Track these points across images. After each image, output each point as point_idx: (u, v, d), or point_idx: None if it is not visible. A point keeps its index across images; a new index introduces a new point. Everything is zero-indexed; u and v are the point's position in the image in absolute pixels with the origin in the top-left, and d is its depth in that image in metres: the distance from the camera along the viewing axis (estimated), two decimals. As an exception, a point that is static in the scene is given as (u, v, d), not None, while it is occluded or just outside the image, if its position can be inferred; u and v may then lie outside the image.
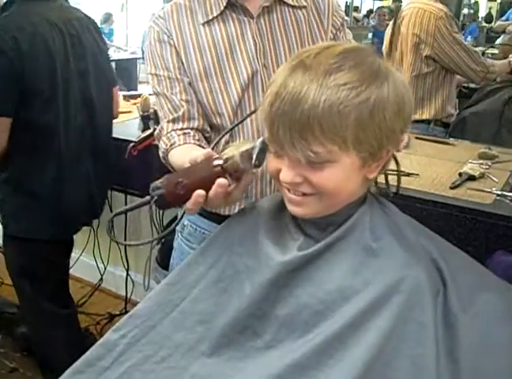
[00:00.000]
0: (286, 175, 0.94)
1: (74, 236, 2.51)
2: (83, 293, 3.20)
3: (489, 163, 2.13)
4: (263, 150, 0.98)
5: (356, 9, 11.98)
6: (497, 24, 8.73)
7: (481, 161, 2.14)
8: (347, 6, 10.84)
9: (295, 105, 0.87)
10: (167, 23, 1.39)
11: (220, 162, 1.00)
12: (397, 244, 0.95)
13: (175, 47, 1.38)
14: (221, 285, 1.04)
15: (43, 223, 2.16)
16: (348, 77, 0.87)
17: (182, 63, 1.38)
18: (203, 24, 1.37)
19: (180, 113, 1.38)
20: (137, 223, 3.01)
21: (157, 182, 1.04)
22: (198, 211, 1.48)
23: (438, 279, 0.94)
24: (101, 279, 3.20)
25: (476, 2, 12.35)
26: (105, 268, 3.14)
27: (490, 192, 1.83)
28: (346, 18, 1.50)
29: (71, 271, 3.28)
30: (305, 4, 1.42)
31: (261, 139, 0.98)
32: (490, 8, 12.30)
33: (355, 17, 10.80)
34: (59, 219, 2.19)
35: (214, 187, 1.00)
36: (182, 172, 1.06)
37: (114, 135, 2.58)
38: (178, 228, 1.62)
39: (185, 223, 1.58)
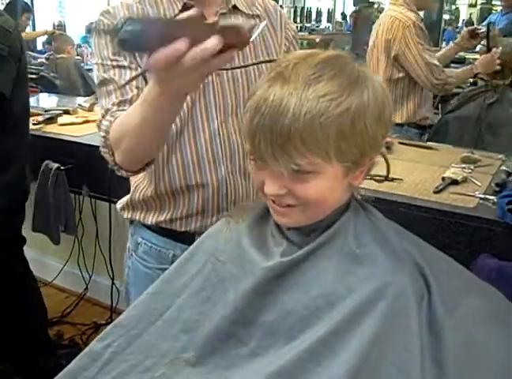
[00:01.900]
0: (270, 188, 0.94)
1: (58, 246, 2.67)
2: (68, 303, 3.19)
3: (472, 167, 2.15)
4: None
5: (344, 16, 12.03)
6: (482, 25, 8.81)
7: (464, 165, 2.16)
8: (329, 13, 10.91)
9: (275, 119, 0.86)
10: (119, 18, 1.32)
11: (221, 23, 0.87)
12: (381, 250, 0.95)
13: None
14: (205, 293, 1.04)
15: (19, 196, 2.38)
16: (327, 88, 0.86)
17: (135, 58, 1.31)
18: None
19: (129, 97, 1.28)
20: (122, 231, 3.00)
21: (136, 18, 0.82)
22: (151, 226, 1.44)
23: (423, 284, 0.94)
24: (86, 289, 3.18)
25: (457, 8, 12.46)
26: (90, 278, 3.13)
27: (473, 196, 1.84)
28: (295, 29, 1.51)
29: (55, 281, 3.28)
30: (258, 13, 1.41)
31: (264, 22, 0.92)
32: (470, 14, 12.42)
33: (337, 23, 10.85)
34: (26, 189, 2.43)
35: (210, 42, 0.83)
36: (165, 20, 0.88)
37: (96, 144, 2.57)
38: (130, 246, 1.56)
39: (138, 241, 1.51)
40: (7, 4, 5.88)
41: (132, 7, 1.35)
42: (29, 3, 5.91)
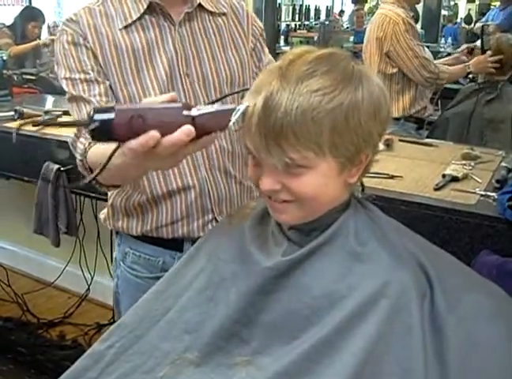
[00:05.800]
0: (265, 183, 0.94)
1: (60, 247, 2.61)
2: (70, 303, 3.19)
3: (472, 164, 2.14)
4: (243, 114, 0.91)
5: (341, 13, 12.02)
6: (477, 25, 8.80)
7: (464, 162, 2.16)
8: (327, 10, 10.89)
9: (268, 113, 0.87)
10: (81, 26, 1.31)
11: (194, 113, 0.87)
12: (382, 248, 0.95)
13: (92, 50, 1.30)
14: (208, 293, 1.04)
15: None
16: (320, 83, 0.87)
17: (101, 67, 1.31)
18: (121, 30, 1.32)
19: None
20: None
21: (105, 107, 0.86)
22: (138, 236, 1.43)
23: (425, 282, 0.94)
24: (88, 289, 3.18)
25: (456, 4, 12.44)
26: (92, 278, 3.13)
27: (473, 192, 1.84)
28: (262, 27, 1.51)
29: (58, 282, 3.28)
30: (225, 11, 1.42)
31: (246, 104, 0.91)
32: (469, 9, 12.39)
33: (335, 20, 10.83)
34: None
35: (178, 133, 0.85)
36: (139, 107, 0.89)
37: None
38: (118, 256, 1.54)
39: (126, 251, 1.50)
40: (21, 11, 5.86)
41: (94, 11, 1.33)
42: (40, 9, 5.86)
